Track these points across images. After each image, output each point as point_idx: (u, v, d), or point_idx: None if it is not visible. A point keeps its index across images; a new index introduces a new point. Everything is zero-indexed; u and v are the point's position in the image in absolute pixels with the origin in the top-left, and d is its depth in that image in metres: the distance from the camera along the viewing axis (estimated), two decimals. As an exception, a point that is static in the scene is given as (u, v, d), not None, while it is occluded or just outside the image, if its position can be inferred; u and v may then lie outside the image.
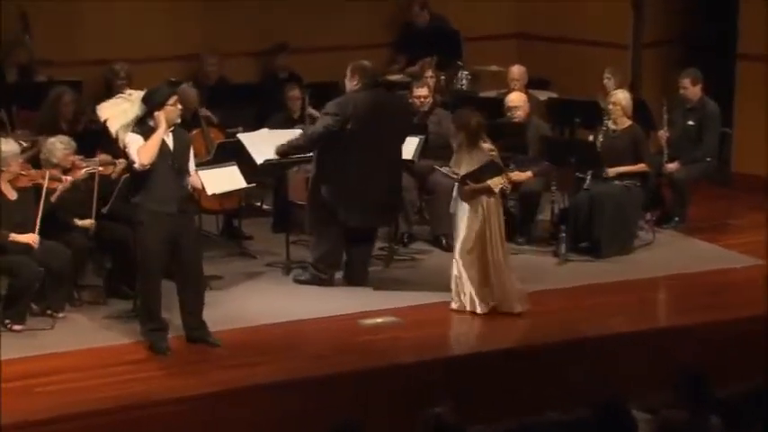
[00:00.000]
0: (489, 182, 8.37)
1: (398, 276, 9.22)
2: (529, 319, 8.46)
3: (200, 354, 7.71)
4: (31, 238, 7.97)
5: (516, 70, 10.95)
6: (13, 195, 8.12)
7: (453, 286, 8.44)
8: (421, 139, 9.38)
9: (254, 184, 8.45)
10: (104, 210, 8.41)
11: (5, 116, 9.72)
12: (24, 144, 8.66)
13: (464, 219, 8.40)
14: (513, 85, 10.81)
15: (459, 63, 11.96)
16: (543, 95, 11.41)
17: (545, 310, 8.60)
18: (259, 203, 10.79)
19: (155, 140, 7.49)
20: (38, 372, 7.42)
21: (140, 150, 7.48)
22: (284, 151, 8.92)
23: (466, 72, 11.86)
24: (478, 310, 8.38)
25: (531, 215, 10.01)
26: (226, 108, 10.78)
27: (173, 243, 7.61)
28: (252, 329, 8.13)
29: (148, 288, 7.70)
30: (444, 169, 8.75)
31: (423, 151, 9.40)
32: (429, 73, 10.99)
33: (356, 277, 8.88)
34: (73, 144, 8.54)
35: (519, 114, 9.99)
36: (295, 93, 10.40)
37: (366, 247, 8.96)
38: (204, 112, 10.12)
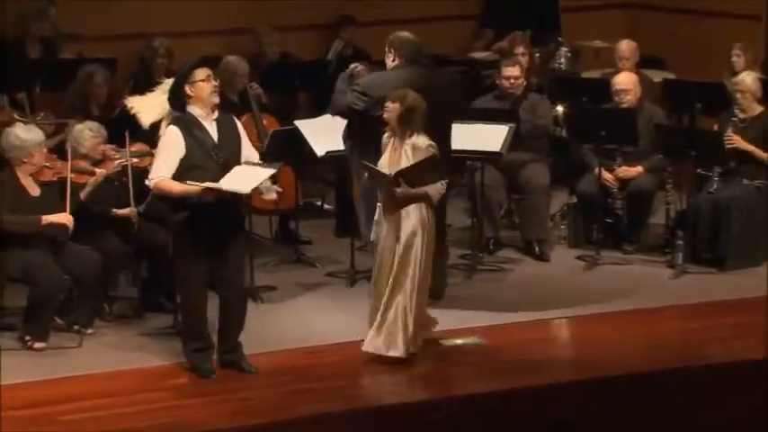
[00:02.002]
0: (428, 188, 7.88)
1: (483, 289, 9.24)
2: (639, 341, 8.44)
3: (250, 379, 7.78)
4: (66, 218, 8.11)
5: (625, 47, 10.93)
6: (35, 191, 8.25)
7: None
8: (511, 127, 9.39)
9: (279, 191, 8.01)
10: (140, 209, 8.53)
11: (25, 97, 9.89)
12: (47, 130, 8.76)
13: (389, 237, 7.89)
14: (622, 64, 10.80)
15: (558, 38, 11.95)
16: (658, 76, 11.38)
17: (658, 330, 8.57)
18: (319, 202, 10.90)
19: (181, 188, 7.48)
20: (62, 397, 7.53)
21: (164, 183, 7.50)
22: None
23: (565, 48, 11.86)
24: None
25: (641, 218, 9.98)
26: (279, 90, 10.89)
27: (215, 252, 7.64)
28: (308, 351, 8.19)
29: (191, 300, 7.79)
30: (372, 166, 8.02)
31: (513, 143, 9.41)
32: (521, 49, 10.99)
33: (433, 288, 8.84)
34: (103, 132, 8.67)
35: (628, 99, 9.97)
36: (362, 73, 10.46)
37: (439, 253, 8.88)
38: (255, 89, 10.20)
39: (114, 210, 8.46)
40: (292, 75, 11.09)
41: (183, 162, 7.54)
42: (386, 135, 8.03)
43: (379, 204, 8.04)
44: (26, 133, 8.23)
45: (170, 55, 10.86)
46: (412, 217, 7.91)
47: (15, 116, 9.07)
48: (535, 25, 11.76)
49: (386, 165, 7.91)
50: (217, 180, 7.52)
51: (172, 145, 7.55)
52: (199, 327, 7.77)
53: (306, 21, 12.07)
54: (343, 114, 8.61)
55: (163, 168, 7.55)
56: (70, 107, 9.61)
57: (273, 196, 7.90)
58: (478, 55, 12.07)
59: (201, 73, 7.56)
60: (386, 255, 7.93)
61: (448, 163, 8.36)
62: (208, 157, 7.56)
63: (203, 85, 7.55)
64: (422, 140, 7.89)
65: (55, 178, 8.27)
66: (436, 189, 7.91)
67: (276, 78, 10.91)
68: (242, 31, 11.60)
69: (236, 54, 10.49)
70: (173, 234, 7.81)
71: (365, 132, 8.37)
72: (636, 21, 12.64)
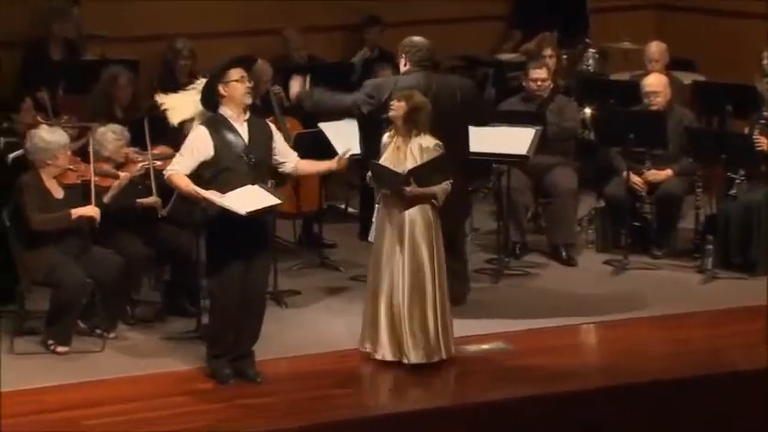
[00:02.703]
0: (436, 187, 7.93)
1: (509, 294, 9.26)
2: (668, 347, 8.45)
3: (271, 384, 7.81)
4: (94, 210, 8.18)
5: (655, 48, 10.92)
6: (59, 193, 8.31)
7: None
8: (537, 130, 9.40)
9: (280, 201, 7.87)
10: (164, 212, 8.58)
11: (47, 98, 9.94)
12: (71, 133, 8.82)
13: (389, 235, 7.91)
14: (652, 65, 10.79)
15: (586, 40, 11.95)
16: (687, 78, 11.37)
17: (687, 336, 8.57)
18: (343, 206, 10.92)
19: (187, 188, 7.51)
20: (85, 401, 7.57)
21: (176, 177, 7.54)
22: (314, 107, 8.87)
23: (593, 50, 11.86)
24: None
25: (670, 222, 9.98)
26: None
27: (247, 254, 7.65)
28: (333, 356, 8.22)
29: (220, 306, 7.74)
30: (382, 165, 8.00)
31: (540, 145, 9.42)
32: (548, 51, 11.00)
33: (453, 295, 8.84)
34: (126, 134, 8.72)
35: (658, 101, 9.97)
36: (387, 74, 10.50)
37: (457, 258, 8.90)
38: (277, 90, 10.24)
39: (138, 200, 8.49)
40: (317, 77, 11.12)
41: (213, 164, 7.57)
42: (386, 135, 8.06)
43: (377, 206, 8.07)
44: (50, 135, 8.30)
45: (193, 56, 10.89)
46: (417, 219, 7.94)
47: (39, 118, 9.13)
48: (563, 27, 11.77)
49: (388, 164, 7.94)
50: (248, 182, 7.54)
51: (196, 144, 7.59)
52: (224, 332, 7.77)
53: (331, 22, 12.10)
54: (344, 113, 8.60)
55: (180, 163, 7.59)
56: (93, 109, 9.65)
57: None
58: (505, 56, 12.08)
59: (236, 73, 7.59)
60: (388, 257, 7.93)
61: (455, 167, 8.28)
62: (238, 159, 7.58)
63: (237, 85, 7.58)
64: (428, 140, 7.93)
65: (78, 181, 8.33)
66: (443, 189, 7.94)
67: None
68: (266, 32, 11.62)
69: (260, 56, 10.51)
70: (206, 232, 7.77)
71: (373, 135, 8.39)
72: (665, 22, 12.62)
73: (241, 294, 7.68)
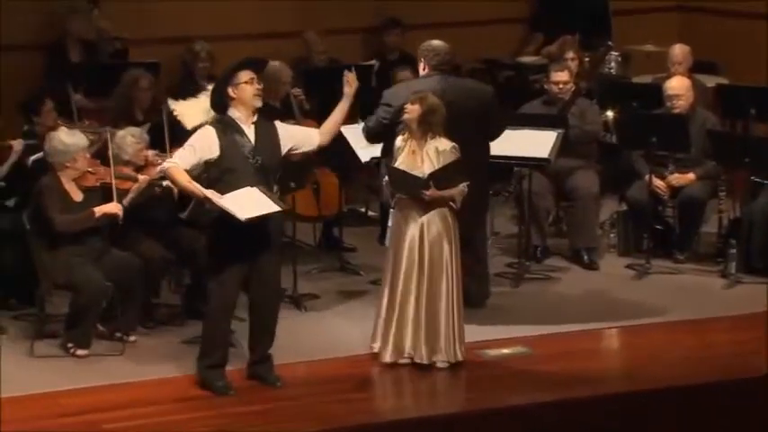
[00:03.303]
0: (455, 190, 7.96)
1: (530, 298, 9.29)
2: (691, 352, 8.46)
3: (290, 388, 7.84)
4: (117, 207, 8.24)
5: (678, 51, 10.92)
6: (78, 196, 8.37)
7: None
8: (559, 133, 9.42)
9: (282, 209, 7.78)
10: (183, 215, 8.63)
11: (78, 102, 10.01)
12: (92, 138, 8.88)
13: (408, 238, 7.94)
14: (674, 68, 10.78)
15: (609, 42, 11.96)
16: (711, 81, 11.36)
17: (710, 341, 8.59)
18: (364, 209, 10.95)
19: (186, 184, 7.51)
20: (105, 405, 7.62)
21: (175, 170, 7.53)
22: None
23: (615, 53, 11.87)
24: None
25: (693, 227, 9.99)
26: (323, 95, 10.94)
27: (251, 256, 7.67)
28: (352, 360, 8.25)
29: (215, 309, 7.71)
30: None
31: (561, 149, 9.45)
32: (570, 54, 11.02)
33: (474, 298, 8.91)
34: (146, 137, 8.78)
35: (681, 104, 9.97)
36: (407, 77, 10.52)
37: (477, 260, 8.95)
38: (297, 92, 10.27)
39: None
40: (336, 79, 11.14)
41: (218, 165, 7.60)
42: (399, 138, 8.09)
43: (392, 210, 8.11)
44: (69, 138, 8.36)
45: (212, 58, 10.92)
46: (436, 222, 7.98)
47: (59, 122, 9.19)
48: (585, 29, 11.77)
49: (404, 168, 7.97)
50: (253, 184, 7.56)
51: (200, 142, 7.59)
52: (223, 337, 7.76)
53: (351, 24, 12.13)
54: (379, 133, 8.62)
55: (181, 157, 7.60)
56: (116, 112, 9.71)
57: None
58: (527, 59, 12.10)
59: (245, 75, 7.61)
60: (406, 261, 7.97)
61: (477, 172, 8.34)
62: (244, 161, 7.60)
63: (246, 87, 7.61)
64: (444, 143, 7.96)
65: (97, 184, 8.39)
66: (461, 191, 7.98)
67: (319, 83, 10.97)
68: (286, 35, 11.67)
69: (280, 58, 10.58)
70: (208, 235, 7.81)
71: (390, 139, 8.43)
72: (688, 24, 12.62)
73: (251, 297, 7.73)
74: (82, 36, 11.15)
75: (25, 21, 11.11)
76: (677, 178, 9.87)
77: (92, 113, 9.99)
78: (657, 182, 9.87)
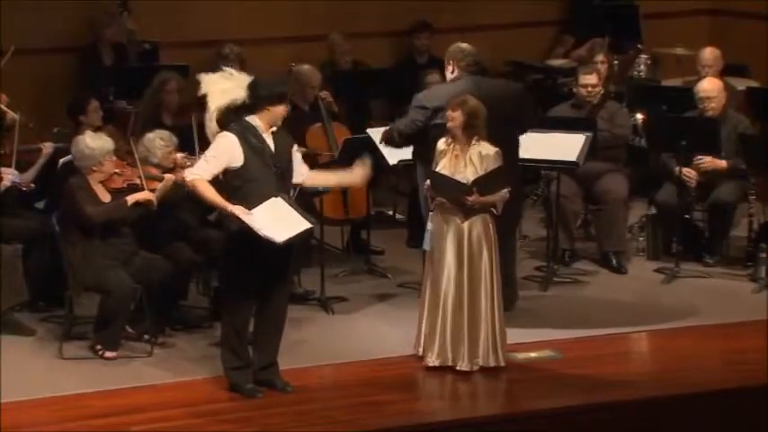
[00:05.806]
0: (497, 196, 7.93)
1: (558, 302, 9.28)
2: (720, 357, 8.44)
3: (317, 391, 7.88)
4: (149, 194, 8.29)
5: (709, 53, 10.88)
6: (106, 197, 8.41)
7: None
8: (588, 136, 9.41)
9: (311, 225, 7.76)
10: (211, 217, 8.67)
11: (120, 107, 10.05)
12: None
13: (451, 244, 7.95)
14: (705, 71, 10.74)
15: (638, 45, 11.95)
16: (742, 84, 11.33)
17: (739, 346, 8.57)
18: (391, 212, 10.97)
19: (212, 199, 7.56)
20: (133, 407, 7.66)
21: (201, 184, 7.58)
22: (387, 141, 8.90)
23: (645, 56, 11.85)
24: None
25: (723, 230, 9.96)
26: (351, 99, 10.97)
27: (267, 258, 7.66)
28: (380, 363, 8.26)
29: (238, 311, 7.73)
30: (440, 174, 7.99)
31: (590, 152, 9.43)
32: (600, 57, 11.00)
33: (502, 301, 8.84)
34: (174, 140, 8.82)
35: (712, 107, 9.93)
36: (436, 80, 10.53)
37: (507, 263, 8.90)
38: (325, 94, 10.30)
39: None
40: (365, 83, 11.18)
41: (240, 174, 7.62)
42: (441, 141, 8.07)
43: (430, 213, 8.11)
44: (95, 141, 8.40)
45: (241, 61, 10.95)
46: (478, 228, 7.99)
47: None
48: (615, 32, 11.76)
49: (446, 173, 7.97)
50: (275, 192, 7.58)
51: (224, 151, 7.62)
52: (241, 341, 7.76)
53: (380, 27, 12.15)
54: (411, 135, 8.63)
55: (204, 168, 7.63)
56: (145, 115, 9.75)
57: None
58: (556, 62, 12.10)
59: (285, 101, 7.71)
60: (448, 266, 7.97)
61: (510, 173, 8.33)
62: (266, 168, 7.64)
63: (282, 111, 7.69)
64: (487, 147, 7.96)
65: (125, 185, 8.43)
66: (502, 197, 7.98)
67: (348, 86, 10.99)
68: (314, 38, 11.70)
69: (308, 61, 10.61)
70: (225, 245, 7.81)
71: (428, 142, 8.44)
72: (718, 27, 12.58)
73: (259, 307, 7.75)
74: (114, 40, 11.21)
75: (56, 23, 11.17)
76: (708, 163, 9.74)
77: (126, 117, 10.04)
78: (686, 170, 9.77)
